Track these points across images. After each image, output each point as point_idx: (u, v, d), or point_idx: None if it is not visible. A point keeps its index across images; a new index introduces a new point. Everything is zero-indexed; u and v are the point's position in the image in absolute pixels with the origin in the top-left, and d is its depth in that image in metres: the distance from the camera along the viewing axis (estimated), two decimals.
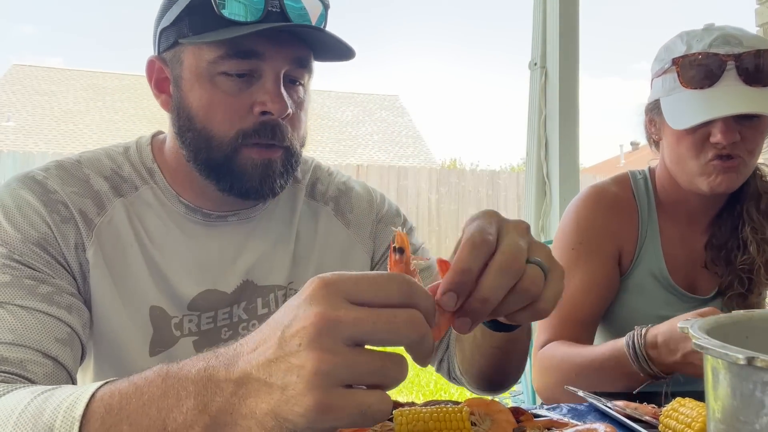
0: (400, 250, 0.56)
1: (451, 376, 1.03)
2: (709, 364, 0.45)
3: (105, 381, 0.57)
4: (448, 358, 1.02)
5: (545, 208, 2.76)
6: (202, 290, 0.93)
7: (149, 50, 0.96)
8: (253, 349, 0.47)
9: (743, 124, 1.15)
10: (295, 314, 0.46)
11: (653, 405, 0.86)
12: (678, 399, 0.78)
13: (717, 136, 1.13)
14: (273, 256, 0.99)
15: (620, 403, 0.87)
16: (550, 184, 2.74)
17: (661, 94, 1.23)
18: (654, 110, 1.26)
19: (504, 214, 0.62)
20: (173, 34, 0.88)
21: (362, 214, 1.08)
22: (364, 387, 0.46)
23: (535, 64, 2.77)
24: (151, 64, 0.94)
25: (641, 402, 0.88)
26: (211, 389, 0.48)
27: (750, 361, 0.39)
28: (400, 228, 0.58)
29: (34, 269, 0.80)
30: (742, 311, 0.56)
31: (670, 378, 1.02)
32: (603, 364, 1.09)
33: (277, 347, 0.46)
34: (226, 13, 0.83)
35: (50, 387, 0.62)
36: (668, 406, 0.78)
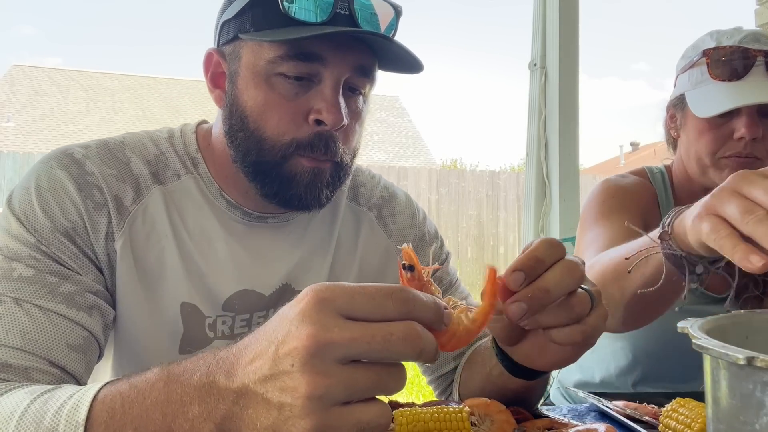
0: (410, 268, 0.54)
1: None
2: (709, 364, 0.45)
3: (105, 382, 0.57)
4: (452, 387, 1.01)
5: (545, 209, 2.76)
6: (238, 290, 0.90)
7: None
8: (250, 360, 0.47)
9: (765, 122, 1.17)
10: (288, 330, 0.45)
11: (653, 405, 0.86)
12: (678, 399, 0.78)
13: (741, 130, 1.16)
14: (312, 261, 0.97)
15: (620, 403, 0.87)
16: (549, 184, 2.74)
17: (687, 87, 1.25)
18: (677, 106, 1.29)
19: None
20: (234, 28, 0.85)
21: (405, 226, 1.06)
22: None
23: (535, 64, 2.77)
24: (209, 57, 0.90)
25: (641, 402, 0.88)
26: (214, 396, 0.48)
27: (750, 361, 0.39)
28: (406, 245, 0.56)
29: (59, 263, 0.78)
30: (742, 311, 0.56)
31: (692, 263, 0.85)
32: (632, 248, 0.95)
33: (272, 364, 0.45)
34: (291, 10, 0.79)
35: (49, 387, 0.61)
36: (668, 407, 0.78)
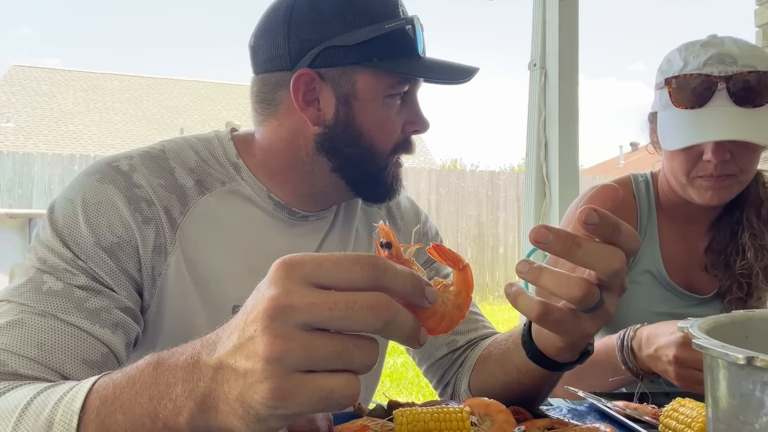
0: (388, 245, 0.51)
1: (449, 394, 1.04)
2: (709, 364, 0.45)
3: (102, 374, 0.57)
4: (455, 380, 1.03)
5: (545, 209, 2.75)
6: None
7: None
8: (229, 334, 0.47)
9: (735, 142, 1.16)
10: (256, 299, 0.45)
11: (653, 405, 0.86)
12: (678, 399, 0.78)
13: (708, 155, 1.15)
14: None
15: (620, 403, 0.87)
16: (549, 184, 2.74)
17: (658, 108, 1.25)
18: (654, 121, 1.29)
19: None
20: (352, 55, 0.89)
21: (410, 223, 1.14)
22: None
23: (535, 64, 2.77)
24: (300, 77, 0.90)
25: (641, 402, 0.88)
26: (197, 375, 0.48)
27: (750, 360, 0.39)
28: (382, 222, 0.54)
29: (93, 278, 0.79)
30: (741, 311, 0.56)
31: (648, 378, 1.05)
32: (593, 358, 1.11)
33: (241, 332, 0.45)
34: (419, 48, 0.93)
35: (54, 383, 0.62)
36: (668, 406, 0.78)
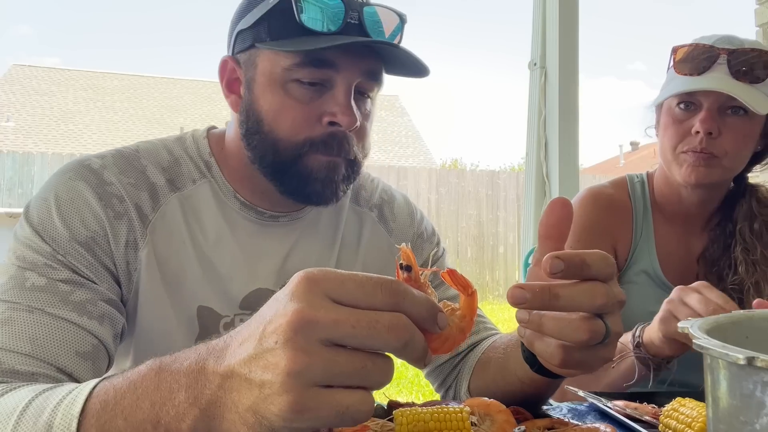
0: (408, 268, 0.53)
1: (450, 396, 1.04)
2: (709, 364, 0.45)
3: (102, 377, 0.57)
4: (456, 384, 1.02)
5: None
6: (253, 288, 0.93)
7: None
8: (240, 343, 0.47)
9: (726, 120, 1.18)
10: (276, 310, 0.45)
11: (653, 405, 0.86)
12: (678, 399, 0.78)
13: (696, 125, 1.17)
14: (319, 258, 1.00)
15: (620, 403, 0.87)
16: (549, 184, 2.74)
17: (662, 87, 1.27)
18: (658, 108, 1.31)
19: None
20: (250, 37, 0.88)
21: (404, 225, 1.10)
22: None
23: (535, 64, 2.77)
24: (224, 64, 0.93)
25: (641, 402, 0.88)
26: (202, 381, 0.48)
27: (750, 361, 0.39)
28: (405, 244, 0.55)
29: (74, 271, 0.80)
30: (742, 311, 0.56)
31: (654, 364, 1.05)
32: None
33: (257, 343, 0.45)
34: (306, 21, 0.83)
35: (52, 385, 0.62)
36: (668, 406, 0.78)
